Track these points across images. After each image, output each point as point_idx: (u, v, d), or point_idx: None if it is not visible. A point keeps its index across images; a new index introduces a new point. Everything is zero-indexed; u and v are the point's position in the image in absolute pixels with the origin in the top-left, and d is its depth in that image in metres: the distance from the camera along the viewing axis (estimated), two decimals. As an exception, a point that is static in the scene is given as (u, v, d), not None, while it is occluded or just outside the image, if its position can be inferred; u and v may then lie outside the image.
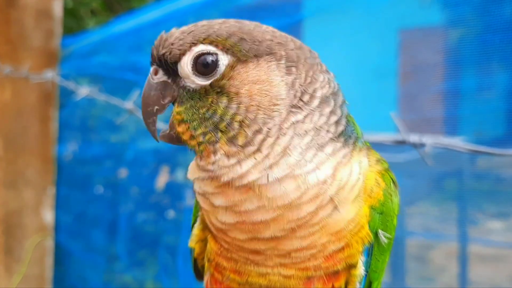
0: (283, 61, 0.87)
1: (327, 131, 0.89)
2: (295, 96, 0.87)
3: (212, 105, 0.85)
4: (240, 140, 0.85)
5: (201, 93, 0.86)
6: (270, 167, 0.84)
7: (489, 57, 1.90)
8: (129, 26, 3.56)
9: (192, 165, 0.93)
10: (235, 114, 0.84)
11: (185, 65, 0.86)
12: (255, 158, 0.84)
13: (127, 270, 3.73)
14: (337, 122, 0.90)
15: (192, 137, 0.87)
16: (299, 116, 0.87)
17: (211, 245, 1.02)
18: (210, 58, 0.85)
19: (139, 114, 2.25)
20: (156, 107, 0.90)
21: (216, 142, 0.85)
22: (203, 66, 0.85)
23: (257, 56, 0.86)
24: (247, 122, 0.84)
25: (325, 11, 2.39)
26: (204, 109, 0.85)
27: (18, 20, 3.90)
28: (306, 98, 0.88)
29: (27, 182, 3.99)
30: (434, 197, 2.66)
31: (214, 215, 0.92)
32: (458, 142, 1.32)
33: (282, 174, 0.84)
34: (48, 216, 4.08)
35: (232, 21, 0.89)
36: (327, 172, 0.86)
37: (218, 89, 0.85)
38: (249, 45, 0.86)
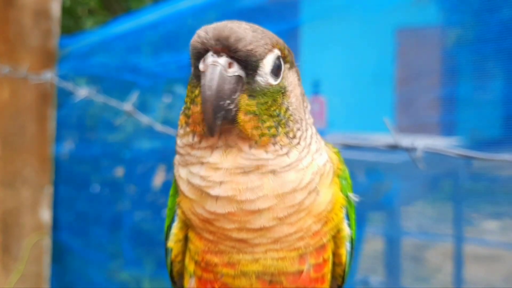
0: (296, 74, 1.05)
1: (313, 126, 1.08)
2: (303, 101, 1.06)
3: (280, 104, 0.97)
4: (291, 135, 0.98)
5: (271, 92, 0.96)
6: (304, 158, 1.00)
7: (485, 61, 1.92)
8: (128, 27, 3.56)
9: (223, 152, 0.95)
10: (290, 114, 0.99)
11: (268, 64, 0.95)
12: (297, 150, 0.99)
13: (124, 268, 3.75)
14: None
15: (257, 128, 0.94)
16: (307, 116, 1.06)
17: (196, 244, 1.04)
18: (279, 61, 0.97)
19: (138, 116, 2.28)
20: (227, 101, 0.90)
21: (277, 135, 0.97)
22: (277, 67, 0.97)
23: (292, 67, 1.03)
24: (295, 120, 1.00)
25: (322, 16, 2.40)
26: (274, 107, 0.96)
27: (16, 20, 3.90)
28: (305, 104, 1.07)
29: (24, 181, 4.00)
30: (430, 197, 2.69)
31: (200, 205, 0.97)
32: (449, 147, 1.36)
33: (307, 162, 1.00)
34: (46, 215, 4.09)
35: (269, 32, 1.01)
36: (323, 159, 1.04)
37: (283, 91, 0.98)
38: (291, 57, 1.03)
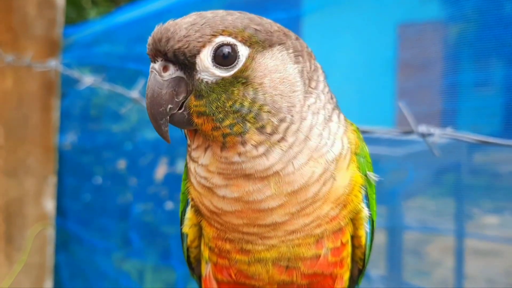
0: (291, 51, 0.91)
1: (330, 104, 0.96)
2: (304, 83, 0.92)
3: (240, 97, 0.85)
4: (268, 129, 0.87)
5: (224, 85, 0.85)
6: (295, 156, 0.89)
7: (488, 52, 1.92)
8: (132, 16, 3.55)
9: (209, 155, 0.90)
10: (262, 104, 0.86)
11: (205, 57, 0.85)
12: (281, 148, 0.88)
13: (126, 260, 3.76)
14: (331, 96, 0.98)
15: (216, 128, 0.86)
16: (312, 100, 0.92)
17: (207, 230, 1.02)
18: (228, 49, 0.85)
19: (144, 103, 2.26)
20: (169, 105, 0.85)
21: (245, 132, 0.86)
22: (223, 57, 0.85)
23: (271, 46, 0.89)
24: (273, 111, 0.87)
25: (325, 5, 2.40)
26: (231, 102, 0.85)
27: (20, 9, 3.90)
28: (313, 84, 0.94)
29: (28, 171, 4.00)
30: (431, 191, 2.68)
31: (208, 199, 0.94)
32: (465, 133, 1.32)
33: (304, 160, 0.89)
34: (49, 205, 4.10)
35: (237, 13, 0.90)
36: (338, 146, 0.94)
37: (244, 80, 0.86)
38: (263, 35, 0.88)
